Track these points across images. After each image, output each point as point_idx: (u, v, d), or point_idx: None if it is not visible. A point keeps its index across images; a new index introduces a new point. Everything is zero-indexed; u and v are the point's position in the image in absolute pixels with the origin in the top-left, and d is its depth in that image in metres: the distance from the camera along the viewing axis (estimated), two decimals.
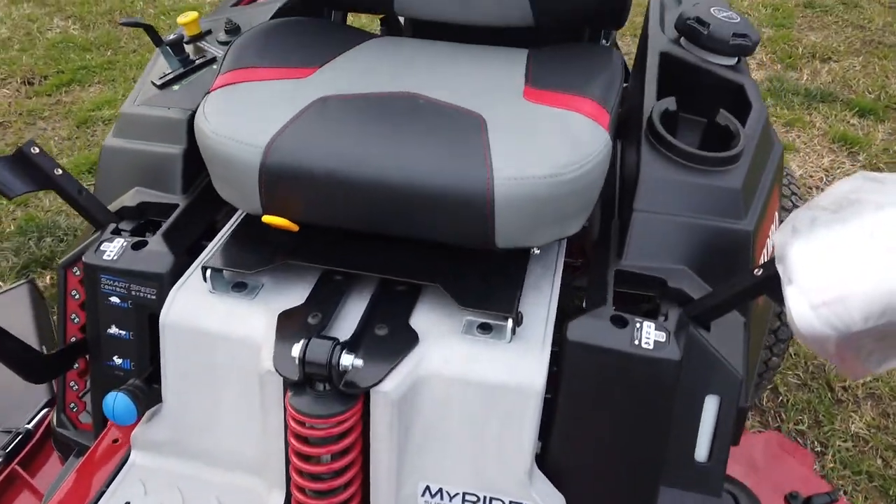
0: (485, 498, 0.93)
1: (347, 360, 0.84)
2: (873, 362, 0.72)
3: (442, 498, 0.94)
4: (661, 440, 0.92)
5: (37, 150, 1.06)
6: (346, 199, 0.93)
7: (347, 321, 0.95)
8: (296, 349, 0.85)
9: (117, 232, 1.11)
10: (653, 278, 1.00)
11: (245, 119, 0.98)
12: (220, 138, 0.95)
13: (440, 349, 0.91)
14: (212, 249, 1.04)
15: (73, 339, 1.13)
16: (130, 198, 1.16)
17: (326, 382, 0.86)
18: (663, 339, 0.89)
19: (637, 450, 0.93)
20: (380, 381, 0.87)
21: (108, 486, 0.99)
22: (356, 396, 0.87)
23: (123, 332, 1.06)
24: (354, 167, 0.90)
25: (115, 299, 1.05)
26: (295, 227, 0.98)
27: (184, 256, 1.06)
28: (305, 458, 0.88)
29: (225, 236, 1.06)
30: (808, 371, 1.90)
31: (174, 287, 0.99)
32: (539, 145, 0.93)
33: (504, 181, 0.87)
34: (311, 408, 0.85)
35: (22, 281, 1.85)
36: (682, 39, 1.34)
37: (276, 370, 0.88)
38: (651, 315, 0.95)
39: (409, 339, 0.91)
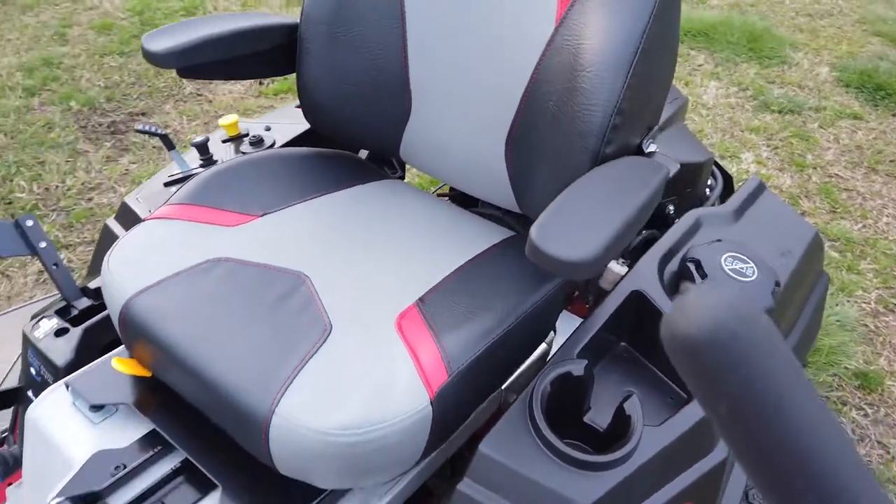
0: None
1: None
2: None
3: None
4: None
5: (31, 223, 1.22)
6: (173, 372, 0.94)
7: (142, 483, 0.95)
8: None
9: (65, 311, 1.22)
10: None
11: (136, 261, 1.00)
12: (107, 271, 0.99)
13: None
14: (84, 369, 1.07)
15: (13, 386, 1.27)
16: (97, 279, 1.28)
17: None
18: None
19: None
20: None
21: None
22: None
23: (36, 398, 1.21)
24: (182, 350, 0.91)
25: (33, 370, 1.19)
26: (147, 373, 1.01)
27: (94, 353, 1.11)
28: None
29: (98, 361, 1.08)
30: None
31: (49, 388, 1.05)
32: (342, 392, 0.85)
33: (280, 421, 0.82)
34: None
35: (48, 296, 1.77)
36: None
37: None
38: None
39: None
